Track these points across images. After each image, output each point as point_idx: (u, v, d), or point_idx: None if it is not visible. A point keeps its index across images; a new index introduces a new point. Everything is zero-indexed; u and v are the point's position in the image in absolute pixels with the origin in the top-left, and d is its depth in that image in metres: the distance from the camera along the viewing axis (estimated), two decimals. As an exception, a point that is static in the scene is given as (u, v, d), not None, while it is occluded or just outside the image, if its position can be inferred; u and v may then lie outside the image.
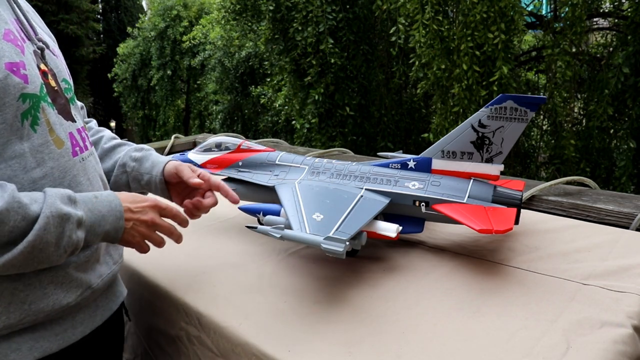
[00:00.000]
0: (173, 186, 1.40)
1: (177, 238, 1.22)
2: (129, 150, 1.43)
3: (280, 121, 10.37)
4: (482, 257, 1.40)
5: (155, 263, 1.49)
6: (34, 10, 1.19)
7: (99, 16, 20.92)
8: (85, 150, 1.14)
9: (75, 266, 1.06)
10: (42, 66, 1.04)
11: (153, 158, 1.41)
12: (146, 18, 16.22)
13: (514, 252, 1.41)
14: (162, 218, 1.17)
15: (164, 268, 1.46)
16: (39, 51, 1.05)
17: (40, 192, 0.97)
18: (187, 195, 1.39)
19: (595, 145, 5.52)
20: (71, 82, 1.18)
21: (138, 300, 1.47)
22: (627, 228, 1.58)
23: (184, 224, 1.24)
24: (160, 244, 1.18)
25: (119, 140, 1.49)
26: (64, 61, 1.18)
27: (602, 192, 1.84)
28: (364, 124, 7.56)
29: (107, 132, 1.50)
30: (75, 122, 1.13)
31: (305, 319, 1.16)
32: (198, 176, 1.35)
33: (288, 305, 1.22)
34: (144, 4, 21.98)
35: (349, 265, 1.40)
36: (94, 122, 1.53)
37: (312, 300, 1.24)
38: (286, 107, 8.70)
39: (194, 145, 3.28)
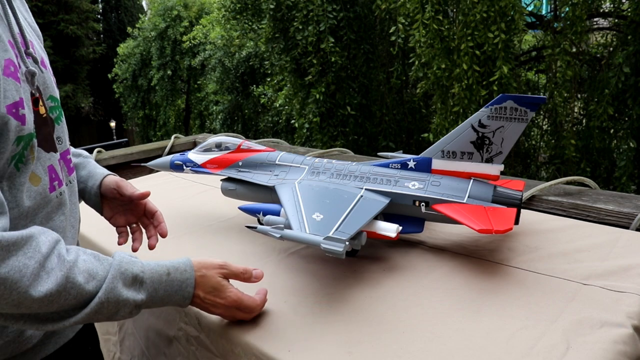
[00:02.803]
0: (108, 201, 1.35)
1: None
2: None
3: (280, 121, 10.38)
4: (482, 257, 1.40)
5: (155, 263, 1.49)
6: (26, 8, 1.10)
7: (99, 16, 20.95)
8: (63, 182, 1.08)
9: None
10: (34, 91, 0.95)
11: (90, 167, 1.36)
12: (146, 18, 16.24)
13: (514, 252, 1.41)
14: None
15: (164, 268, 1.46)
16: (30, 76, 0.95)
17: (104, 264, 0.93)
18: (122, 213, 1.36)
19: (596, 145, 5.52)
20: (57, 95, 1.09)
21: (138, 300, 1.47)
22: (627, 228, 1.58)
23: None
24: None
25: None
26: (52, 73, 1.08)
27: (602, 192, 1.84)
28: (365, 123, 7.56)
29: None
30: (57, 151, 1.05)
31: (305, 319, 1.16)
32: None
33: (288, 305, 1.22)
34: (144, 4, 21.99)
35: (349, 265, 1.40)
36: None
37: (312, 300, 1.24)
38: (287, 107, 8.70)
39: (193, 145, 3.29)
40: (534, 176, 6.85)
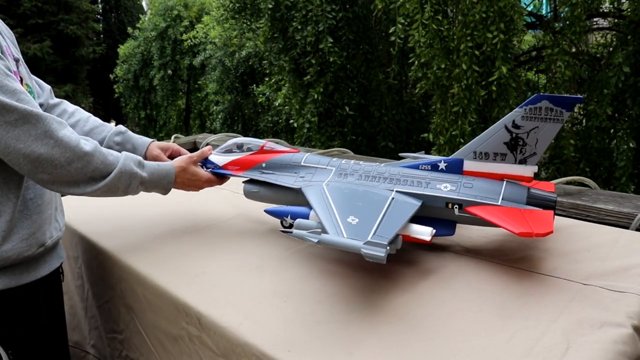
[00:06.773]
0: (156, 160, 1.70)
1: None
2: (110, 134, 1.72)
3: (280, 121, 10.37)
4: (482, 258, 1.40)
5: (156, 263, 1.49)
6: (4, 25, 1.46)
7: (99, 16, 20.92)
8: None
9: (37, 227, 1.36)
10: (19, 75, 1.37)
11: (133, 141, 1.74)
12: (146, 18, 16.22)
13: (514, 252, 1.41)
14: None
15: (165, 268, 1.46)
16: (15, 62, 1.36)
17: (116, 153, 1.40)
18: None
19: (595, 145, 5.51)
20: (31, 85, 1.49)
21: (141, 299, 1.47)
22: (627, 228, 1.58)
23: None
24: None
25: (96, 120, 1.75)
26: (26, 68, 1.49)
27: (602, 192, 1.84)
28: (363, 123, 7.54)
29: (82, 114, 1.75)
30: None
31: (305, 319, 1.16)
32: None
33: (288, 305, 1.22)
34: (144, 4, 21.97)
35: (349, 265, 1.40)
36: (66, 104, 1.74)
37: (312, 300, 1.24)
38: (285, 107, 8.69)
39: (193, 145, 3.28)
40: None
